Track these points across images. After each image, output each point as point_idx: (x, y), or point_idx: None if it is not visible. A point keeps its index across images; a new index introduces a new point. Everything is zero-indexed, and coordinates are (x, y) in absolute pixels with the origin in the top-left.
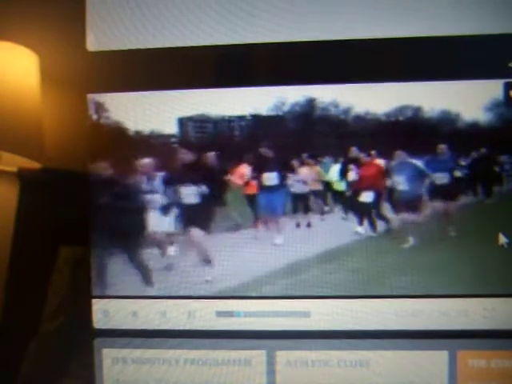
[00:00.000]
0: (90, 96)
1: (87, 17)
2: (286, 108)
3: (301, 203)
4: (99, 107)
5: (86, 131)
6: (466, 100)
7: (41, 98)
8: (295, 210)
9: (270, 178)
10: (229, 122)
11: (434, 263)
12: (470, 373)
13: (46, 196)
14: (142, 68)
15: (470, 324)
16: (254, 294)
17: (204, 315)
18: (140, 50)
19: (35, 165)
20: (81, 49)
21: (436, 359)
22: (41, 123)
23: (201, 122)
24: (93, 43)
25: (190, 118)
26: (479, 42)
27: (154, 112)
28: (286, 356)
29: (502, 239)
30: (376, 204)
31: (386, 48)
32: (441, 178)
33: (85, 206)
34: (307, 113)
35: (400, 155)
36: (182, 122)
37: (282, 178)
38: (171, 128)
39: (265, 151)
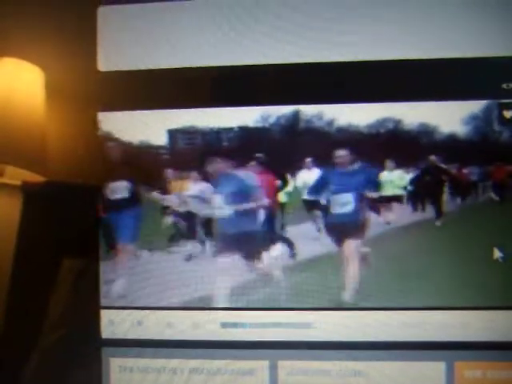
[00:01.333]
0: (99, 114)
1: (98, 38)
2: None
3: None
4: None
5: (92, 147)
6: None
7: (45, 113)
8: None
9: None
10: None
11: (430, 275)
12: (466, 383)
13: (49, 209)
14: (152, 87)
15: (467, 336)
16: (258, 306)
17: (209, 326)
18: (150, 70)
19: (39, 178)
20: (92, 68)
21: (433, 370)
22: (45, 137)
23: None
24: (103, 63)
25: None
26: (473, 65)
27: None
28: (287, 366)
29: (497, 253)
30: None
31: (378, 70)
32: None
33: (89, 218)
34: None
35: None
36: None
37: None
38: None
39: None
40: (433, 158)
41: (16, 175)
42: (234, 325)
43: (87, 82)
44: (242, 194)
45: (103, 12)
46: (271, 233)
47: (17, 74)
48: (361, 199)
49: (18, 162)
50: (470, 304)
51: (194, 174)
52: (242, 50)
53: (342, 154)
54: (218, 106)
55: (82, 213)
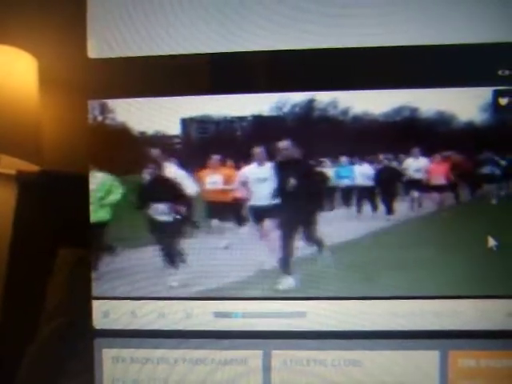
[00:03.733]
0: (91, 101)
1: (88, 25)
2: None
3: None
4: (100, 111)
5: (85, 135)
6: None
7: (39, 101)
8: None
9: None
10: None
11: (424, 265)
12: (460, 372)
13: (43, 198)
14: (142, 75)
15: (460, 324)
16: (251, 295)
17: (202, 316)
18: (140, 57)
19: (33, 167)
20: (82, 56)
21: (428, 359)
22: (39, 126)
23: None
24: (93, 50)
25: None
26: (470, 51)
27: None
28: (281, 355)
29: (491, 242)
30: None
31: (380, 56)
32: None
33: (83, 207)
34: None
35: None
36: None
37: None
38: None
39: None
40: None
41: (10, 164)
42: (227, 314)
43: (78, 70)
44: None
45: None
46: None
47: (10, 61)
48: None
49: (13, 152)
50: (464, 293)
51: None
52: (250, 37)
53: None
54: (212, 94)
55: (76, 202)
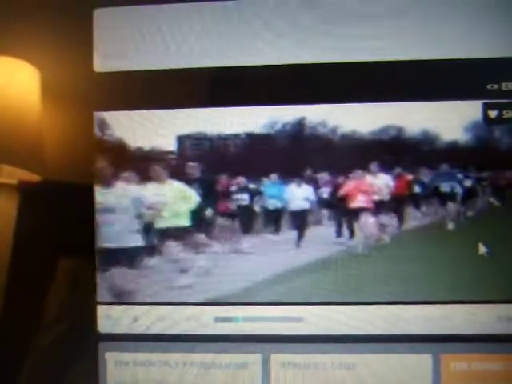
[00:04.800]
0: (96, 113)
1: (94, 39)
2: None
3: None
4: (102, 124)
5: (89, 146)
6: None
7: (42, 111)
8: None
9: None
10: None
11: (417, 272)
12: (452, 375)
13: (46, 208)
14: (147, 88)
15: (452, 329)
16: (250, 301)
17: (203, 320)
18: (145, 71)
19: (35, 177)
20: (88, 69)
21: (421, 362)
22: (41, 136)
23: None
24: (99, 64)
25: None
26: (460, 66)
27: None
28: (280, 359)
29: (482, 249)
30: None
31: (369, 71)
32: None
33: (86, 216)
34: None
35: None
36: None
37: None
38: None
39: None
40: None
41: (12, 174)
42: (228, 319)
43: (83, 83)
44: None
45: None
46: None
47: (12, 72)
48: None
49: (15, 161)
50: (456, 298)
51: None
52: (244, 51)
53: None
54: (218, 107)
55: (79, 211)
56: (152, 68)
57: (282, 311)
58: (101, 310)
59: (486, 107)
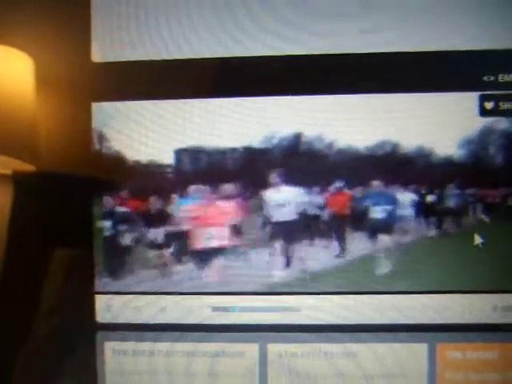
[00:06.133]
0: (93, 105)
1: (92, 29)
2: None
3: None
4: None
5: (85, 137)
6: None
7: (36, 102)
8: None
9: None
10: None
11: (414, 262)
12: (447, 363)
13: (40, 199)
14: (144, 79)
15: (448, 318)
16: (247, 291)
17: (201, 310)
18: (143, 61)
19: (30, 167)
20: (85, 59)
21: (417, 351)
22: (36, 126)
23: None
24: (97, 54)
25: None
26: (457, 58)
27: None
28: (277, 348)
29: (478, 240)
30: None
31: (366, 62)
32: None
33: (81, 207)
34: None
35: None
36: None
37: None
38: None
39: None
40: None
41: (6, 165)
42: (225, 309)
43: (81, 73)
44: None
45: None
46: None
47: (6, 61)
48: None
49: (9, 152)
50: (452, 288)
51: None
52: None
53: None
54: (215, 97)
55: (74, 202)
56: (152, 58)
57: (278, 301)
58: (99, 300)
59: (483, 99)
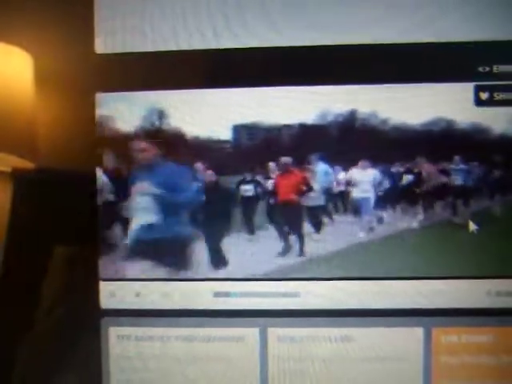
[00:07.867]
0: (98, 96)
1: (95, 20)
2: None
3: None
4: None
5: (89, 131)
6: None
7: (36, 98)
8: None
9: None
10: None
11: (411, 248)
12: (443, 347)
13: (40, 196)
14: (148, 70)
15: (444, 303)
16: (248, 276)
17: (203, 296)
18: (148, 52)
19: (29, 164)
20: (89, 51)
21: (413, 335)
22: (35, 123)
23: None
24: (101, 46)
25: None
26: (452, 48)
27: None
28: (277, 333)
29: (472, 226)
30: None
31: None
32: None
33: (82, 204)
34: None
35: None
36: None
37: None
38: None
39: None
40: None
41: (6, 162)
42: (226, 294)
43: (84, 65)
44: None
45: None
46: None
47: (4, 59)
48: None
49: (8, 149)
50: (447, 274)
51: None
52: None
53: None
54: (219, 87)
55: (75, 199)
56: (156, 50)
57: (279, 286)
58: (104, 287)
59: (478, 89)
